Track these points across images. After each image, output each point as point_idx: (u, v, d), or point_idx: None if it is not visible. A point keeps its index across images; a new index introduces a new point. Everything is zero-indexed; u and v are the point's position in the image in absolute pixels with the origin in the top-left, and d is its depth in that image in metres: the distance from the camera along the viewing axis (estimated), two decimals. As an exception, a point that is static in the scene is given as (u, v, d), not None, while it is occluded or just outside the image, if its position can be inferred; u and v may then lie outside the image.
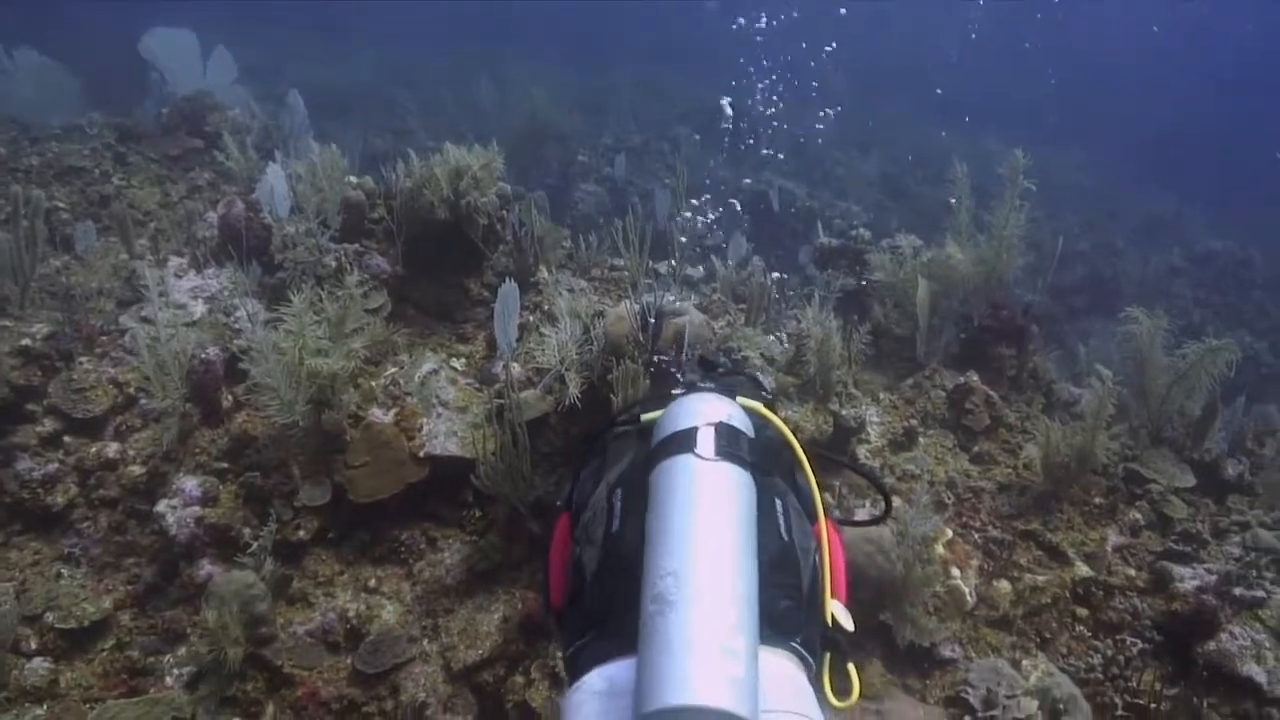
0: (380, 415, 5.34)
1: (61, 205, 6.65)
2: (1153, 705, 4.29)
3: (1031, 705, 4.06)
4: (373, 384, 5.48)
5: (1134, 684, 4.40)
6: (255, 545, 4.89)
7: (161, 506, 4.99)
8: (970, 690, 4.19)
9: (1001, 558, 4.80)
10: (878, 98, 21.48)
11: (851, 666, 2.05)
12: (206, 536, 4.99)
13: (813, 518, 2.26)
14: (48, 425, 5.30)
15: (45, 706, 4.51)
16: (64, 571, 5.03)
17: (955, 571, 4.64)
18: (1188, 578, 4.74)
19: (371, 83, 16.06)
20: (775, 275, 6.79)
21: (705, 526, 1.85)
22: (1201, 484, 5.52)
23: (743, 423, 2.20)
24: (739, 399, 2.39)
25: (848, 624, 2.13)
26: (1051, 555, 4.98)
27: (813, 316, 5.68)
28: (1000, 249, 6.11)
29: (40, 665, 4.60)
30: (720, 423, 2.14)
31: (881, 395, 5.93)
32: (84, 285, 5.79)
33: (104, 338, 5.75)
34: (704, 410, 2.19)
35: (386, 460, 5.19)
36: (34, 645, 4.68)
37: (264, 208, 6.20)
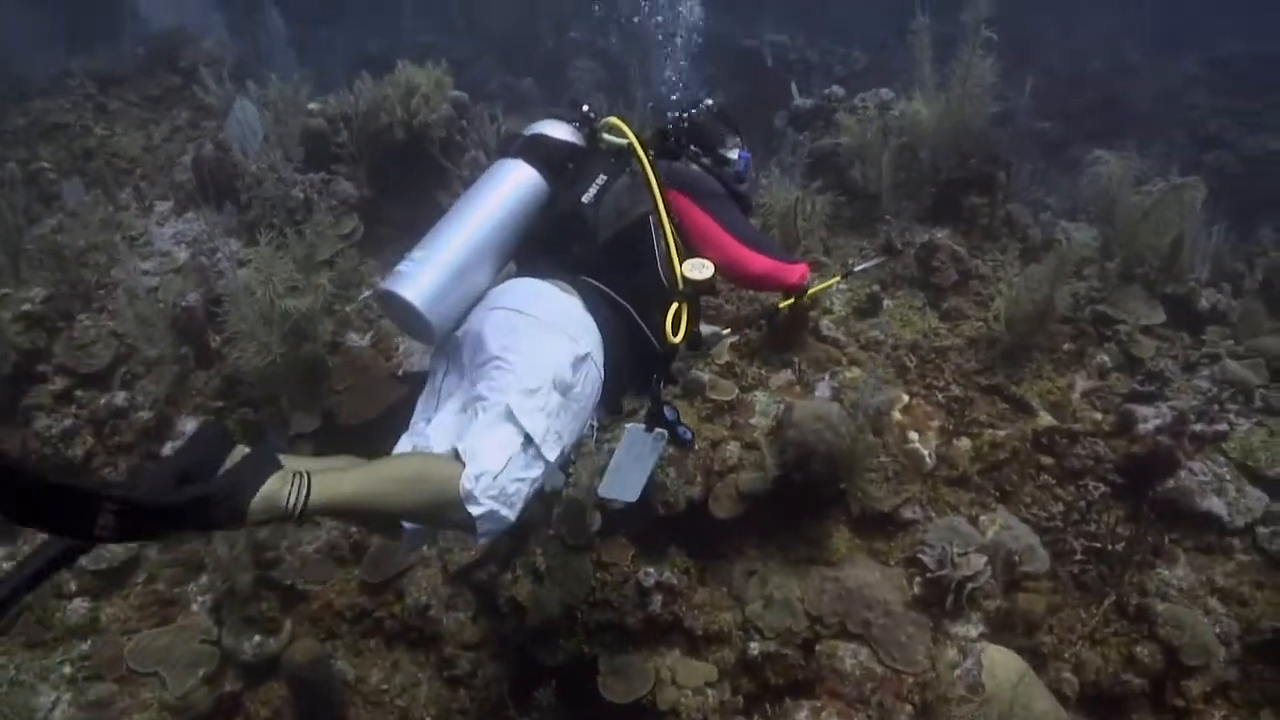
0: (358, 340, 5.56)
1: (47, 165, 6.86)
2: (1109, 547, 4.39)
3: (980, 561, 4.19)
4: (347, 309, 5.68)
5: (1092, 528, 4.49)
6: (256, 476, 5.23)
7: (168, 449, 5.34)
8: (927, 550, 4.34)
9: (961, 416, 4.86)
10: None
11: (684, 315, 2.83)
12: (212, 472, 5.33)
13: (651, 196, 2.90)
14: (58, 383, 5.65)
15: (89, 642, 5.00)
16: (93, 516, 5.44)
17: (913, 435, 4.73)
18: (1150, 418, 4.74)
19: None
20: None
21: (466, 191, 2.82)
22: (1175, 318, 5.43)
23: (554, 132, 2.98)
24: (605, 121, 3.07)
25: (695, 274, 2.84)
26: (1016, 408, 5.01)
27: (775, 185, 5.64)
28: (964, 99, 5.90)
29: (80, 605, 5.08)
30: (510, 132, 3.24)
31: (850, 261, 5.90)
32: (74, 244, 6.02)
33: (100, 292, 6.03)
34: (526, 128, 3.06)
35: (368, 382, 5.44)
36: (74, 588, 5.15)
37: (234, 145, 6.33)
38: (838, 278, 3.94)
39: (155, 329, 5.41)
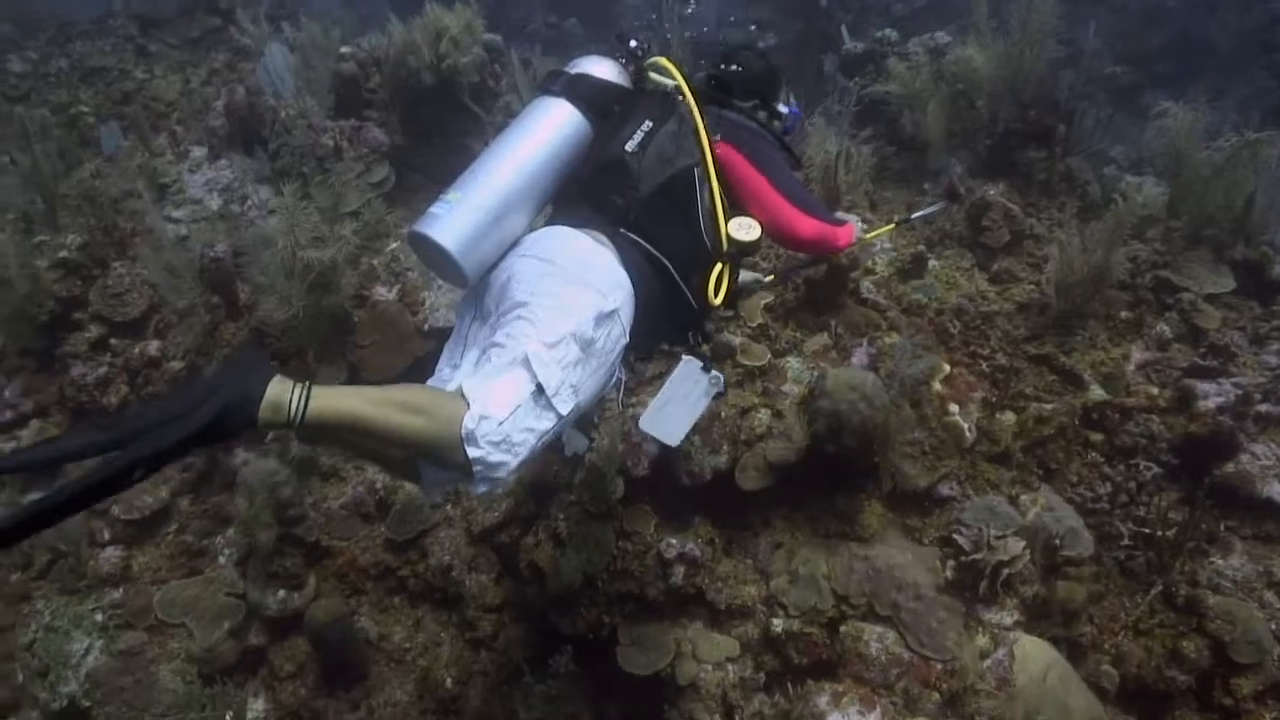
0: (384, 293, 5.46)
1: (86, 109, 6.82)
2: (1159, 532, 4.13)
3: (1018, 545, 3.97)
4: (374, 262, 5.56)
5: (1142, 512, 4.23)
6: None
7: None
8: (963, 530, 4.13)
9: (1006, 387, 4.59)
10: None
11: (726, 274, 2.76)
12: (237, 426, 5.30)
13: (700, 146, 2.76)
14: (94, 331, 5.67)
15: (121, 590, 5.06)
16: (125, 466, 5.47)
17: (953, 407, 4.48)
18: (1211, 395, 4.43)
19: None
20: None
21: (504, 130, 2.74)
22: (1244, 286, 5.05)
23: (600, 71, 2.84)
24: (652, 60, 2.94)
25: (741, 235, 2.74)
26: (1065, 379, 4.72)
27: (818, 138, 5.35)
28: (1024, 45, 5.48)
29: (113, 554, 5.14)
30: (553, 69, 2.90)
31: (896, 217, 5.59)
32: (107, 191, 5.99)
33: (136, 239, 6.00)
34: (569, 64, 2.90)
35: (394, 337, 5.36)
36: (107, 536, 5.20)
37: (266, 90, 6.20)
38: (893, 225, 3.74)
39: (184, 279, 5.36)
